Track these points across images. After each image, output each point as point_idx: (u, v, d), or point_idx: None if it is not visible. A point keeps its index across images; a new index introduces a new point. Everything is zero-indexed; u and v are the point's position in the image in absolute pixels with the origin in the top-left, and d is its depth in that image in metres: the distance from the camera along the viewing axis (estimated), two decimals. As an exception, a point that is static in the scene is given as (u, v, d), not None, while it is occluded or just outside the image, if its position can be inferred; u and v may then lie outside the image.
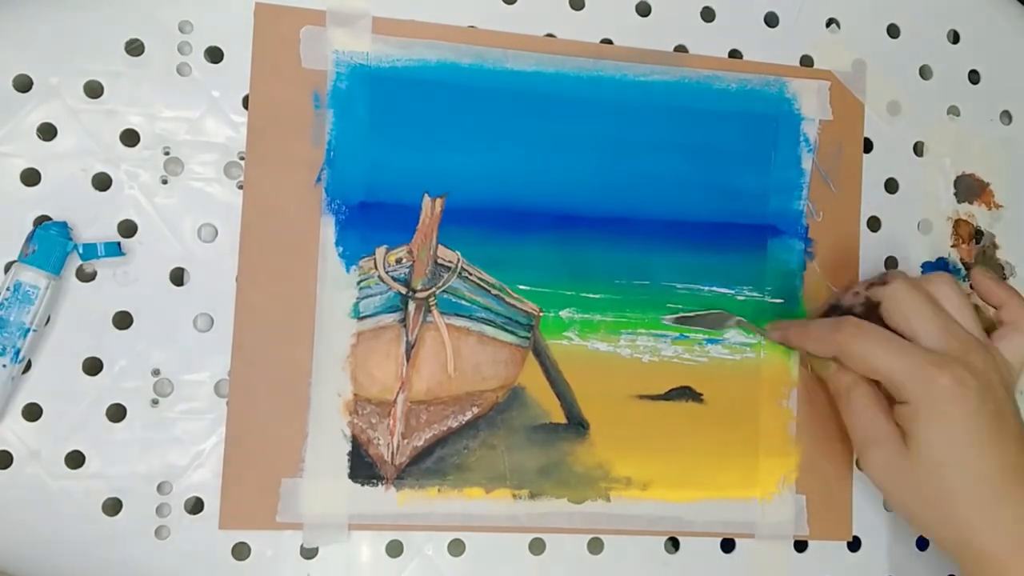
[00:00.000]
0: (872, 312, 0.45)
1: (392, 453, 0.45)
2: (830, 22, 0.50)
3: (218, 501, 0.43)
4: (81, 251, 0.42)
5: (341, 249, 0.45)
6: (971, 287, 0.47)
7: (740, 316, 0.48)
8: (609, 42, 0.48)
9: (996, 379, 0.42)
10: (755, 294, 0.48)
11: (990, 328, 0.45)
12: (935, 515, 0.42)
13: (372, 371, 0.44)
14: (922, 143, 0.51)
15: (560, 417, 0.46)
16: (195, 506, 0.43)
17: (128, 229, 0.43)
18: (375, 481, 0.44)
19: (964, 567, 0.42)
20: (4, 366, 0.40)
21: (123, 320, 0.43)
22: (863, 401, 0.44)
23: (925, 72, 0.52)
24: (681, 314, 0.47)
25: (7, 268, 0.41)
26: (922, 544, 0.50)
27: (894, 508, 0.45)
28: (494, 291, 0.46)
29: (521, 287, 0.46)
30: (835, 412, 0.47)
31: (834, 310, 0.47)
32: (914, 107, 0.51)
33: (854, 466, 0.49)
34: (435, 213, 0.45)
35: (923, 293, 0.43)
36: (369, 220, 0.45)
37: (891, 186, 0.51)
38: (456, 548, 0.45)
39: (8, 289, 0.40)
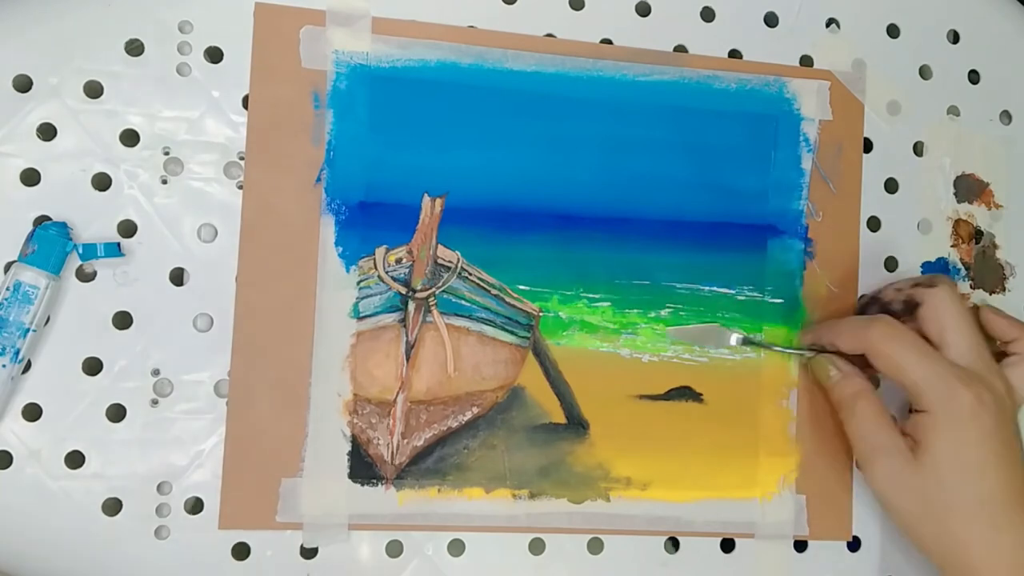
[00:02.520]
0: (908, 312, 0.46)
1: (392, 453, 0.45)
2: (830, 22, 0.50)
3: (218, 501, 0.43)
4: (81, 251, 0.42)
5: (341, 249, 0.45)
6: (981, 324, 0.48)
7: (739, 328, 0.48)
8: (609, 42, 0.48)
9: (1009, 404, 0.44)
10: (755, 294, 0.48)
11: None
12: (933, 528, 0.43)
13: (372, 371, 0.44)
14: (922, 143, 0.51)
15: (560, 417, 0.46)
16: (195, 506, 0.43)
17: (128, 229, 0.43)
18: (375, 481, 0.44)
19: None
20: (4, 366, 0.40)
21: (123, 320, 0.43)
22: (870, 410, 0.44)
23: (925, 72, 0.52)
24: (681, 327, 0.47)
25: (7, 268, 0.41)
26: (922, 544, 0.50)
27: (892, 518, 0.45)
28: (494, 291, 0.46)
29: (521, 287, 0.46)
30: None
31: (872, 302, 0.48)
32: (914, 107, 0.51)
33: (854, 466, 0.49)
34: (435, 213, 0.45)
35: (965, 306, 0.45)
36: (369, 220, 0.45)
37: (891, 186, 0.51)
38: (456, 548, 0.45)
39: (8, 289, 0.40)
